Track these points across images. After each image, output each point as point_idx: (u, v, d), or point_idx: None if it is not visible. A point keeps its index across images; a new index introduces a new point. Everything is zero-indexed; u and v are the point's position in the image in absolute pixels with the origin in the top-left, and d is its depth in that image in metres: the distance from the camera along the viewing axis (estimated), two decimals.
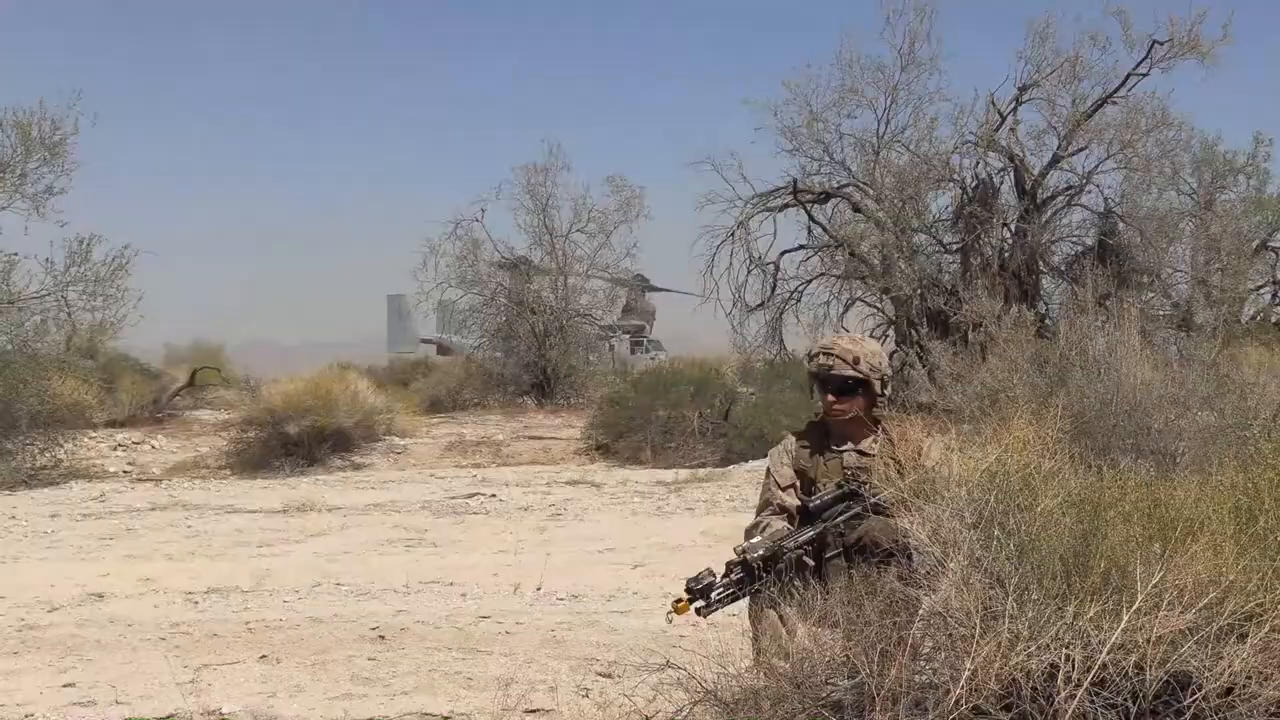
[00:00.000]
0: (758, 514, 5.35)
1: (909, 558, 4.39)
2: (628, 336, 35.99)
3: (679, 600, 4.66)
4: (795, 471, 5.34)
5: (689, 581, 4.69)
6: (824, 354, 5.30)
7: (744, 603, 4.89)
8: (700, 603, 4.65)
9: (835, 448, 5.34)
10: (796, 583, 4.74)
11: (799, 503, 5.24)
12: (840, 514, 5.00)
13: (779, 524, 5.17)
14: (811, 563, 4.96)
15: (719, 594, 4.69)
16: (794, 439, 5.45)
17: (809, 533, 4.97)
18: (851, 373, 5.22)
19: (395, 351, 38.98)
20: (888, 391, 5.38)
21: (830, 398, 5.27)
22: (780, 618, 4.81)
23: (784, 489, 5.31)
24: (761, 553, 4.79)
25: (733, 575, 4.74)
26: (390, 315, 40.70)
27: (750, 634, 4.93)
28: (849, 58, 24.16)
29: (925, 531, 4.10)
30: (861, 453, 5.30)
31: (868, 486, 5.05)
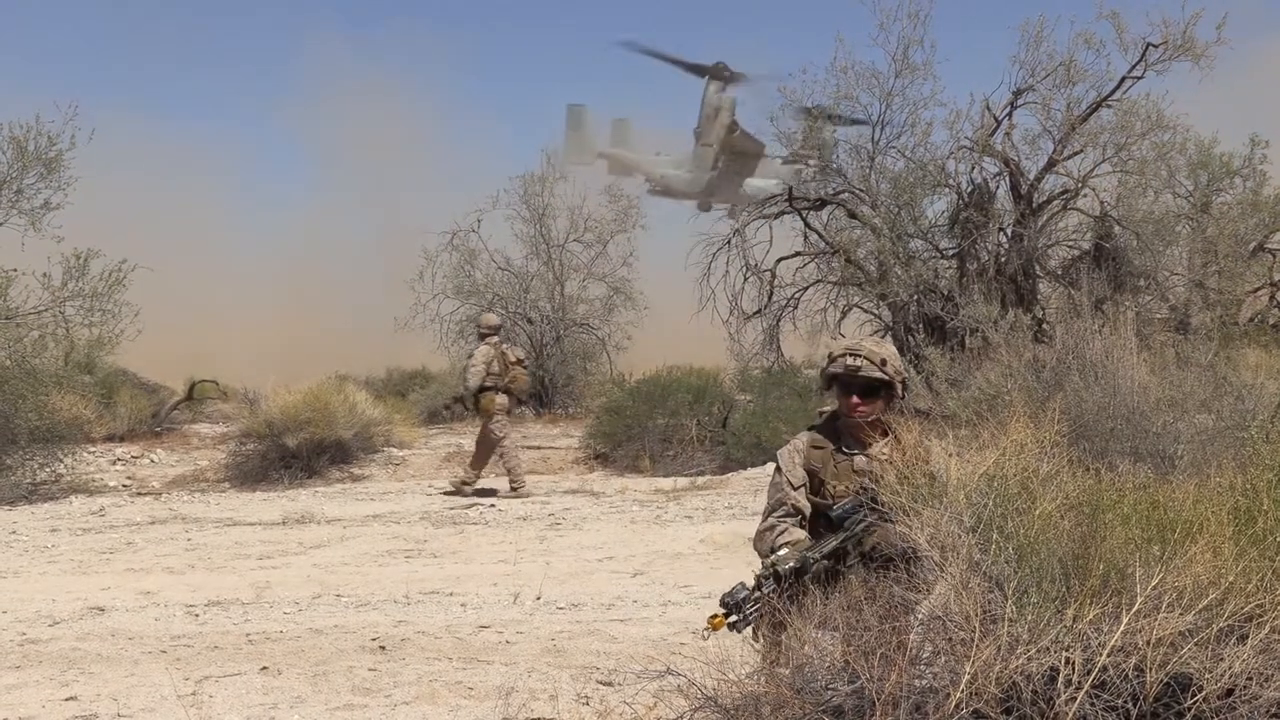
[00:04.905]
0: (768, 514, 5.32)
1: (909, 562, 4.40)
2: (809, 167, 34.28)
3: (714, 616, 4.68)
4: (806, 471, 5.32)
5: (724, 597, 4.72)
6: (850, 355, 5.27)
7: None
8: (734, 617, 4.68)
9: (846, 450, 5.33)
10: (804, 595, 4.76)
11: (810, 504, 5.25)
12: (859, 523, 4.99)
13: (797, 531, 5.15)
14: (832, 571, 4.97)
15: (752, 608, 4.71)
16: (806, 438, 5.41)
17: (833, 543, 4.97)
18: (879, 375, 5.20)
19: (571, 164, 37.77)
20: (905, 396, 5.38)
21: (854, 399, 5.25)
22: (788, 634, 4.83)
23: (796, 489, 5.30)
24: (792, 564, 4.80)
25: (764, 588, 4.75)
26: (569, 125, 39.43)
27: (754, 640, 4.92)
28: (843, 64, 24.20)
29: (924, 535, 4.11)
30: (870, 457, 5.28)
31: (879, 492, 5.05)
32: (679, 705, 4.49)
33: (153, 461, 21.84)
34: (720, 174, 28.52)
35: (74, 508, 16.29)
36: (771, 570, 4.78)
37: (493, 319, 17.85)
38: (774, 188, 25.16)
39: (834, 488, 5.22)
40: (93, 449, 21.56)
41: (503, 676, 7.10)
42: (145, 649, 8.21)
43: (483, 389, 16.84)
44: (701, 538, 12.51)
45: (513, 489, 16.91)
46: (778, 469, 5.39)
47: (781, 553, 4.90)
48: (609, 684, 6.92)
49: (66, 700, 6.98)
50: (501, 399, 16.90)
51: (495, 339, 17.16)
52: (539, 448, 22.93)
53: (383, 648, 8.06)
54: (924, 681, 3.86)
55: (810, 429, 5.47)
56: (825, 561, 4.89)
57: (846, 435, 5.34)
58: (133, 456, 22.02)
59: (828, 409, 5.51)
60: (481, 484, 17.23)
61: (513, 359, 17.14)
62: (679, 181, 30.95)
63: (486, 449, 17.23)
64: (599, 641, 8.15)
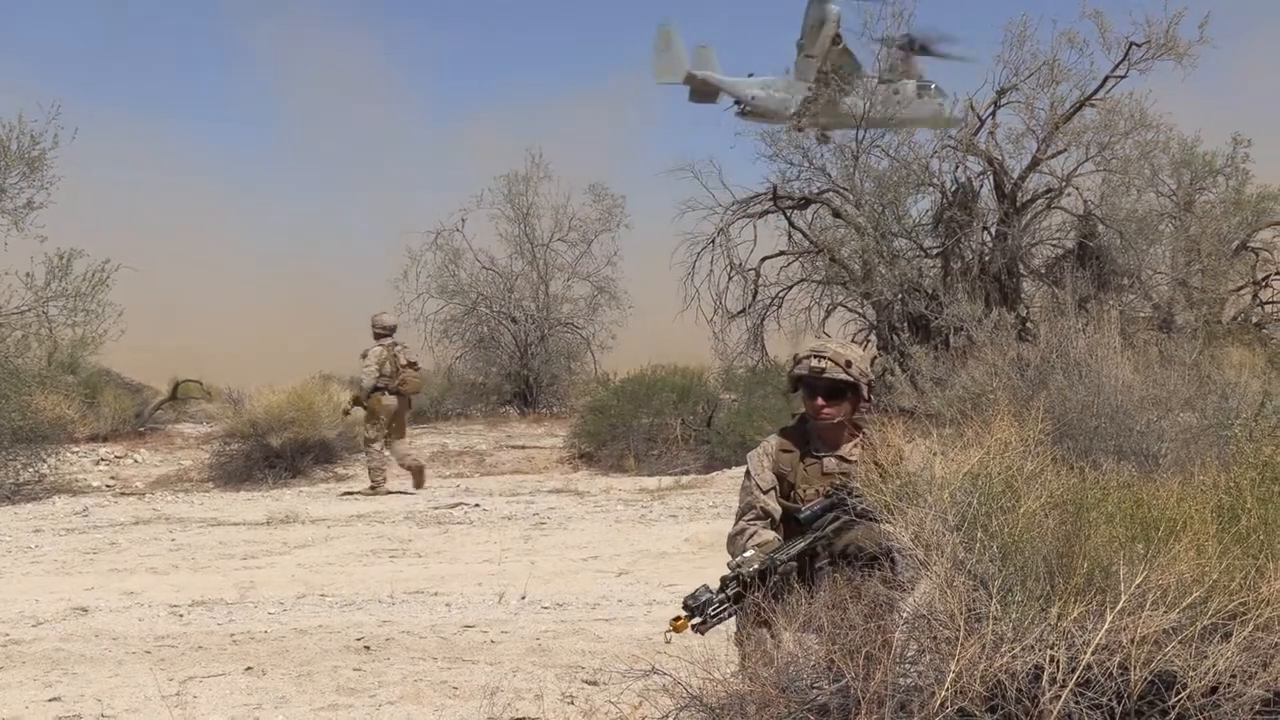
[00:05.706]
0: (739, 519, 5.33)
1: (892, 561, 4.40)
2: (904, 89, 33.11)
3: (677, 618, 4.68)
4: (775, 475, 5.32)
5: (686, 599, 4.71)
6: (815, 357, 5.25)
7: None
8: (698, 619, 4.67)
9: (815, 453, 5.32)
10: (787, 595, 4.74)
11: (780, 507, 5.25)
12: (829, 523, 5.00)
13: (767, 533, 5.16)
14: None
15: (716, 610, 4.70)
16: (775, 441, 5.41)
17: (800, 544, 4.97)
18: (843, 376, 5.19)
19: (661, 81, 37.86)
20: (872, 397, 5.38)
21: (819, 401, 5.24)
22: (771, 633, 4.81)
23: (765, 492, 5.29)
24: (756, 567, 4.80)
25: (728, 590, 4.75)
26: (658, 45, 39.63)
27: (736, 642, 4.92)
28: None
29: (908, 535, 4.11)
30: (841, 458, 5.28)
31: (851, 493, 5.03)
32: (664, 704, 4.48)
33: (136, 462, 21.79)
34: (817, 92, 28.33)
35: (57, 508, 16.25)
36: (736, 573, 4.79)
37: (388, 319, 17.99)
38: (871, 109, 25.07)
39: (803, 491, 5.22)
40: (76, 449, 21.50)
41: (487, 676, 7.09)
42: (129, 649, 8.18)
43: (374, 389, 17.09)
44: (686, 537, 12.51)
45: (371, 488, 17.20)
46: (747, 473, 5.39)
47: (747, 554, 4.90)
48: (594, 683, 6.91)
49: (50, 701, 6.95)
50: (390, 400, 17.16)
51: (389, 340, 17.39)
52: (523, 447, 22.92)
53: (367, 648, 8.05)
54: (909, 680, 3.86)
55: (780, 432, 5.47)
56: (793, 563, 4.90)
57: (815, 437, 5.34)
58: (116, 457, 21.97)
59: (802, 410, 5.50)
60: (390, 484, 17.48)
61: (404, 361, 17.39)
62: (772, 101, 30.76)
63: (397, 448, 17.61)
64: (584, 641, 8.14)
